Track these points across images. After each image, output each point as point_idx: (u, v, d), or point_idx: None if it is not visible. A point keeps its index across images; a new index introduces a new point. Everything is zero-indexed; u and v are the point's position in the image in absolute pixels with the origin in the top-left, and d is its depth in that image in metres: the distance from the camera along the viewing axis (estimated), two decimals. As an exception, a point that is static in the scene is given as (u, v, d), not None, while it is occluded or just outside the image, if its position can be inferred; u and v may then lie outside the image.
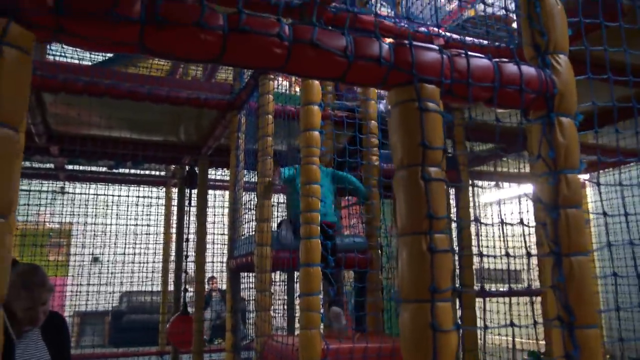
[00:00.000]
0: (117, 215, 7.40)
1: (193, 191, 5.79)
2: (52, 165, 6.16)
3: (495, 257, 1.30)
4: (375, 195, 3.44)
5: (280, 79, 5.01)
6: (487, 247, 5.43)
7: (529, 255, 1.39)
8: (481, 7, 3.79)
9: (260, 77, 3.69)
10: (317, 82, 2.83)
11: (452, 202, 4.23)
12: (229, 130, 4.61)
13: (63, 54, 4.77)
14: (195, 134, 5.24)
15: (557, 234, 1.31)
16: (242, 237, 3.91)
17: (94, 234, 7.53)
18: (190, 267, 5.59)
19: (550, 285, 1.30)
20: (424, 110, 1.18)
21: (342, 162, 3.44)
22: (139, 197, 7.45)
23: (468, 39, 2.98)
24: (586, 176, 5.51)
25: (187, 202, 6.03)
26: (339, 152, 3.84)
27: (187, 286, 5.76)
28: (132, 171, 7.00)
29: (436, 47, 1.25)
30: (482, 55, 1.31)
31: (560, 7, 1.44)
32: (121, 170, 6.93)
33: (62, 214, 7.25)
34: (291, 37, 1.11)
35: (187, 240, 5.92)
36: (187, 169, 6.10)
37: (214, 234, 6.45)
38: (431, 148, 1.17)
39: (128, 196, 7.33)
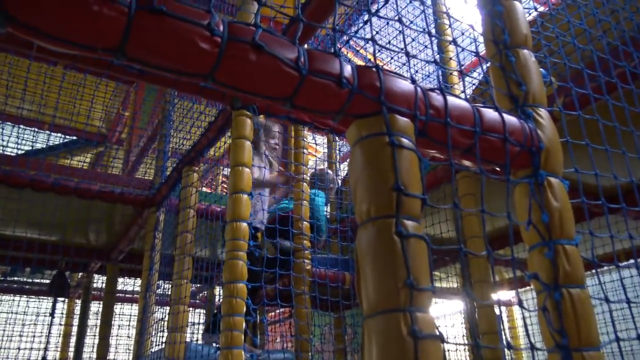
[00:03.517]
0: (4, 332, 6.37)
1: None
2: None
3: None
4: (307, 300, 3.03)
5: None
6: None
7: None
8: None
9: (184, 169, 3.36)
10: (247, 170, 2.53)
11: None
12: (144, 231, 4.13)
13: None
14: (106, 235, 4.69)
15: (562, 322, 1.00)
16: (150, 352, 3.31)
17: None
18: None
19: (561, 392, 0.96)
20: (398, 145, 0.90)
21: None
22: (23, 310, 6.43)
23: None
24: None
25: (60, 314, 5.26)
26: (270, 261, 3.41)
27: None
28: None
29: (408, 78, 1.00)
30: (458, 96, 1.07)
31: (535, 60, 1.27)
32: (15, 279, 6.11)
33: None
34: (226, 33, 0.82)
35: (47, 348, 5.05)
36: (54, 273, 5.34)
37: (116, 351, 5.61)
38: (408, 195, 0.87)
39: (15, 313, 6.33)
